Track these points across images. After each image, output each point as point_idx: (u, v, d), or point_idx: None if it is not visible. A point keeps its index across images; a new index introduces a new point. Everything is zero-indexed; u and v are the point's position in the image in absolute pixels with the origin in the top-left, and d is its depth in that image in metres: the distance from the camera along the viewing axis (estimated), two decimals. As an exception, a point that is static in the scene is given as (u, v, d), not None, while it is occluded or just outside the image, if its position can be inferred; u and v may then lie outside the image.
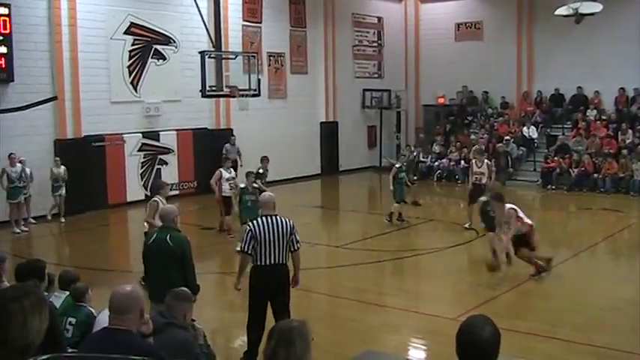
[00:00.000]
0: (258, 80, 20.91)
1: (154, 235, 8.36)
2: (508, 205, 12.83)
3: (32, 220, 18.79)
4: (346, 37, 30.11)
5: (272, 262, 8.39)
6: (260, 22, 26.26)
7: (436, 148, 28.39)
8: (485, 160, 18.24)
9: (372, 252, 15.30)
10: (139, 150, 22.38)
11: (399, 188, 18.18)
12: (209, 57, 20.10)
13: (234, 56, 21.78)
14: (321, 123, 29.08)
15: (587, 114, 27.01)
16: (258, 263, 8.40)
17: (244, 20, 25.59)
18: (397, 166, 18.56)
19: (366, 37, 31.29)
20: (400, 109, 31.78)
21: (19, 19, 19.13)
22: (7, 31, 18.64)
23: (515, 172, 26.12)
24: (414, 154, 21.44)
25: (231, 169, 17.40)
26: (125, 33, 21.97)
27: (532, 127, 27.43)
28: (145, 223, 12.10)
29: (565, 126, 27.39)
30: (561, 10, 23.45)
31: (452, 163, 27.11)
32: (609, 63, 26.41)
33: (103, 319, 5.84)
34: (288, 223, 8.48)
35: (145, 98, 22.50)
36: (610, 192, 23.10)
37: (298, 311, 8.65)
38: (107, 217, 19.75)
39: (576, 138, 25.67)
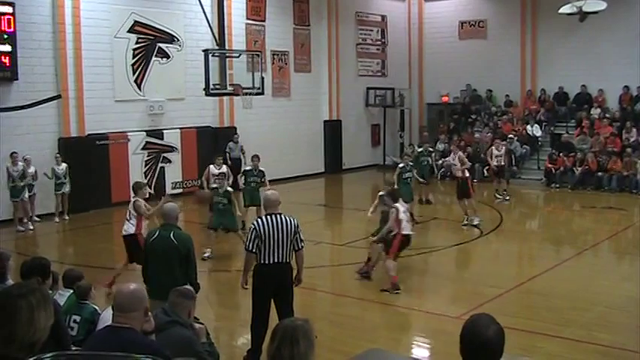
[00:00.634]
0: (262, 79, 20.92)
1: (157, 233, 8.39)
2: (397, 205, 12.44)
3: (36, 218, 18.81)
4: (350, 36, 30.10)
5: (276, 260, 8.38)
6: (264, 21, 26.26)
7: (440, 147, 28.36)
8: (503, 143, 22.03)
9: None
10: (143, 148, 22.40)
11: (404, 188, 16.97)
12: (213, 55, 20.13)
13: (237, 55, 21.80)
14: (325, 121, 29.07)
15: (591, 112, 26.96)
16: (262, 262, 8.40)
17: (248, 19, 25.59)
18: (400, 166, 18.22)
19: (370, 35, 31.28)
20: (404, 107, 31.75)
21: (23, 18, 19.14)
22: (11, 30, 18.66)
23: (519, 170, 26.09)
24: (428, 152, 21.53)
25: (223, 166, 17.19)
26: (129, 31, 21.98)
27: (536, 125, 27.39)
28: (129, 225, 12.06)
29: (569, 124, 27.35)
30: (565, 9, 23.40)
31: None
32: (613, 61, 26.38)
33: (107, 317, 5.85)
34: (292, 222, 8.48)
35: (149, 97, 22.51)
36: (614, 190, 23.06)
37: (302, 309, 8.66)
38: (111, 216, 19.74)
39: (580, 136, 25.62)
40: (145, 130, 22.48)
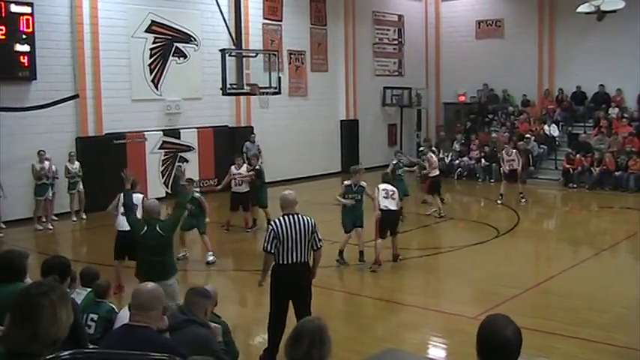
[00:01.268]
0: (279, 78, 20.91)
1: (146, 228, 9.20)
2: (379, 185, 13.83)
3: (54, 217, 18.92)
4: (366, 35, 30.08)
5: (294, 260, 8.38)
6: (280, 20, 26.29)
7: (457, 147, 28.30)
8: (514, 150, 21.74)
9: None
10: (160, 148, 22.49)
11: (398, 185, 16.08)
12: (230, 55, 20.15)
13: (254, 54, 21.83)
14: (342, 121, 29.06)
15: (609, 112, 26.79)
16: (280, 262, 8.40)
17: (265, 18, 25.63)
18: (394, 162, 18.41)
19: (387, 34, 31.24)
20: (421, 107, 31.69)
21: (42, 18, 19.27)
22: (30, 30, 18.79)
23: (537, 170, 25.99)
24: (430, 151, 21.24)
25: (243, 166, 17.55)
26: (146, 31, 22.08)
27: (553, 125, 27.27)
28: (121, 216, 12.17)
29: (587, 124, 27.20)
30: (583, 8, 23.29)
31: (472, 162, 27.01)
32: (631, 61, 26.16)
33: (124, 316, 5.88)
34: (309, 222, 8.48)
35: (166, 96, 22.60)
36: (632, 190, 22.91)
37: (318, 309, 8.67)
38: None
39: (598, 136, 25.47)
40: (162, 130, 22.57)
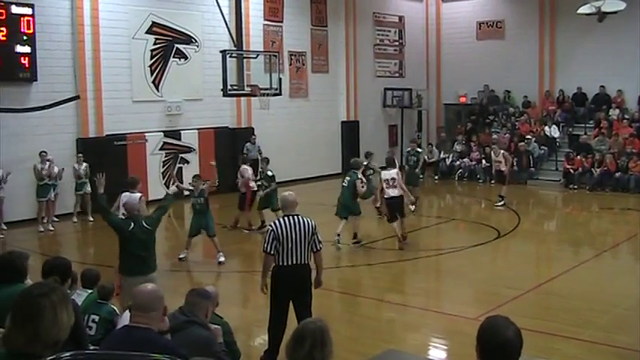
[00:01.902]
0: (280, 79, 20.94)
1: (132, 224, 9.52)
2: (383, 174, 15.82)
3: (55, 219, 18.91)
4: (367, 36, 30.08)
5: (294, 262, 8.36)
6: (281, 22, 26.30)
7: (457, 148, 28.31)
8: (501, 151, 21.59)
9: (392, 251, 15.29)
10: (161, 149, 22.50)
11: (367, 186, 17.45)
12: (230, 56, 20.16)
13: (255, 55, 21.84)
14: (342, 122, 29.07)
15: (610, 113, 26.79)
16: (281, 263, 8.38)
17: (265, 19, 25.64)
18: (364, 163, 18.60)
19: (387, 36, 31.24)
20: (421, 108, 31.73)
21: (42, 19, 19.29)
22: (31, 31, 18.81)
23: (537, 171, 25.98)
24: (415, 152, 21.24)
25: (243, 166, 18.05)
26: (147, 32, 22.09)
27: (554, 126, 27.26)
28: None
29: (587, 125, 27.20)
30: (584, 9, 23.26)
31: (473, 163, 27.00)
32: (632, 62, 26.16)
33: (126, 317, 5.88)
34: (310, 224, 8.45)
35: (167, 97, 22.61)
36: (633, 191, 22.89)
37: (319, 310, 8.66)
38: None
39: (598, 137, 25.45)
40: (163, 131, 22.58)
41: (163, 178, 22.32)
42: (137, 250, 9.46)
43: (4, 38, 18.41)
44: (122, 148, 21.33)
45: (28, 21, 18.75)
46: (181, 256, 14.56)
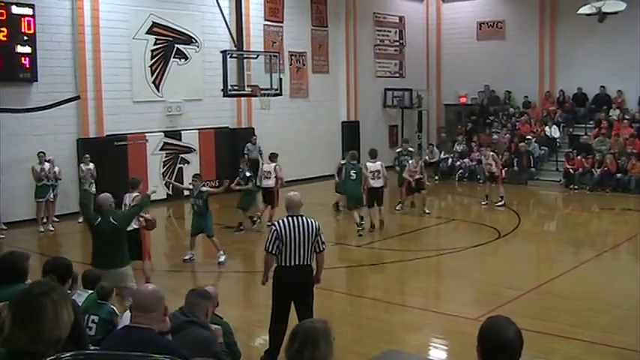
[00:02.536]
0: (280, 79, 20.93)
1: (99, 219, 9.88)
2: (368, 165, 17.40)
3: (55, 219, 18.90)
4: (368, 37, 30.09)
5: (297, 263, 8.35)
6: (281, 22, 26.30)
7: (458, 148, 28.30)
8: (490, 153, 21.71)
9: (393, 252, 15.30)
10: (161, 149, 22.50)
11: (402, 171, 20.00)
12: (231, 56, 20.16)
13: (255, 56, 21.86)
14: (343, 122, 29.07)
15: (610, 114, 26.79)
16: (283, 264, 8.37)
17: (266, 20, 25.65)
18: (398, 150, 21.12)
19: (388, 36, 31.25)
20: (422, 108, 31.73)
21: (43, 20, 19.30)
22: (31, 32, 18.82)
23: (538, 171, 25.97)
24: (408, 152, 21.35)
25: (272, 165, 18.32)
26: (147, 33, 22.09)
27: (554, 126, 27.26)
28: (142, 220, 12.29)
29: (588, 125, 27.19)
30: (584, 9, 23.25)
31: (473, 163, 26.99)
32: (633, 62, 26.15)
33: (126, 317, 5.88)
34: (313, 224, 8.44)
35: (167, 97, 22.61)
36: (633, 192, 22.88)
37: (320, 311, 8.66)
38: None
39: (599, 138, 25.44)
40: (163, 131, 22.59)
41: (164, 178, 22.31)
42: (102, 245, 9.84)
43: (5, 38, 18.41)
44: (122, 149, 21.33)
45: (29, 21, 18.76)
46: (186, 257, 14.47)
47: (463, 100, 31.58)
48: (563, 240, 17.59)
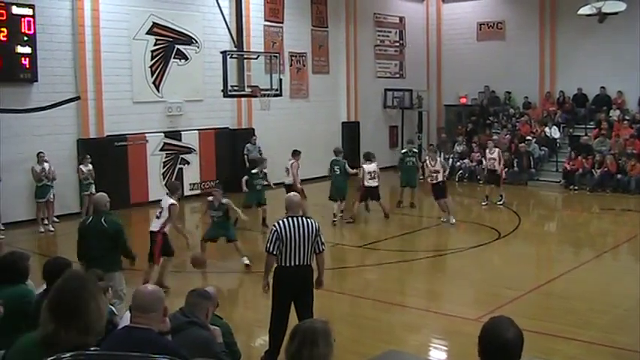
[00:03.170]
0: (280, 80, 20.94)
1: (90, 219, 10.01)
2: (363, 166, 18.79)
3: (55, 219, 18.90)
4: (368, 37, 30.10)
5: (296, 263, 8.36)
6: (282, 22, 26.31)
7: (458, 149, 28.30)
8: (496, 149, 21.73)
9: (393, 252, 15.30)
10: (161, 149, 22.49)
11: (406, 172, 20.66)
12: (231, 57, 20.16)
13: (255, 56, 21.85)
14: (343, 123, 29.09)
15: (610, 114, 26.79)
16: (283, 264, 8.37)
17: (266, 20, 25.65)
18: (403, 152, 21.23)
19: (388, 36, 31.25)
20: (422, 109, 31.72)
21: (43, 20, 19.29)
22: (31, 32, 18.80)
23: (538, 172, 25.97)
24: (413, 153, 21.42)
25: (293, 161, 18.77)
26: (147, 33, 22.08)
27: (554, 127, 27.26)
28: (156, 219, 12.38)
29: (588, 126, 27.19)
30: (584, 10, 23.24)
31: (473, 164, 26.98)
32: (633, 63, 26.15)
33: (127, 317, 5.88)
34: (313, 225, 8.45)
35: (167, 98, 22.60)
36: (633, 192, 22.87)
37: (321, 311, 8.67)
38: (129, 217, 19.82)
39: (599, 138, 25.44)
40: (164, 132, 22.58)
41: (164, 179, 22.31)
42: (89, 245, 9.75)
43: (5, 39, 18.40)
44: (123, 149, 21.32)
45: (29, 22, 18.74)
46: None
47: (463, 100, 31.58)
48: (563, 240, 17.59)
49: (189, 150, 23.20)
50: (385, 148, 30.61)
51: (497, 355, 3.59)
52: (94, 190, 19.09)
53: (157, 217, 12.34)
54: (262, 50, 24.24)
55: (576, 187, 24.16)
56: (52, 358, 3.31)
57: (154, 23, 22.19)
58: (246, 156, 23.32)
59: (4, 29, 18.39)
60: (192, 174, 23.19)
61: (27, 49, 18.75)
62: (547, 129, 27.19)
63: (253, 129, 24.53)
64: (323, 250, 8.57)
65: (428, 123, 32.58)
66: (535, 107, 29.12)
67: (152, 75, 22.29)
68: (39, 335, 3.54)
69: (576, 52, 28.11)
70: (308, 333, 3.78)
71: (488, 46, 30.73)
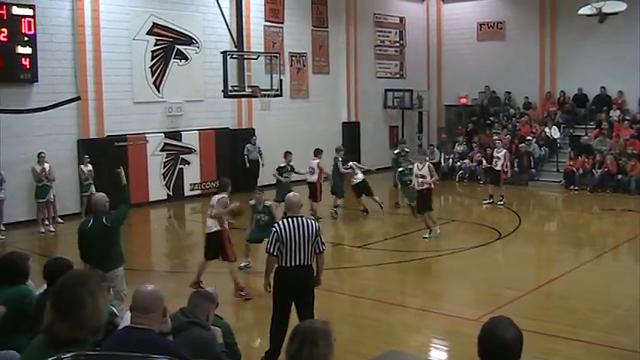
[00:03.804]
0: (280, 80, 20.92)
1: (92, 220, 9.78)
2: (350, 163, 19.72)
3: (59, 220, 18.90)
4: (368, 37, 30.10)
5: (297, 263, 8.37)
6: (282, 23, 26.32)
7: (458, 149, 28.30)
8: (504, 150, 21.90)
9: (393, 252, 15.32)
10: (162, 150, 22.49)
11: (403, 186, 19.80)
12: (231, 57, 20.16)
13: (256, 56, 21.85)
14: (343, 123, 29.10)
15: (611, 114, 26.78)
16: (284, 265, 8.38)
17: (266, 20, 25.66)
18: (396, 152, 21.65)
19: (388, 37, 31.26)
20: (422, 109, 31.75)
21: (43, 20, 19.30)
22: (32, 32, 18.81)
23: (538, 172, 25.97)
24: (406, 153, 21.37)
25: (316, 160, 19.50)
26: (148, 33, 22.09)
27: (554, 127, 27.25)
28: (210, 219, 12.21)
29: (588, 126, 27.18)
30: (584, 10, 23.22)
31: (474, 164, 26.99)
32: (633, 63, 26.15)
33: (127, 318, 5.89)
34: (313, 225, 8.47)
35: (168, 98, 22.61)
36: (633, 193, 22.87)
37: (321, 311, 8.66)
38: (130, 217, 19.79)
39: (599, 138, 25.43)
40: (164, 132, 22.58)
41: (164, 179, 22.32)
42: (93, 247, 9.64)
43: (5, 39, 18.41)
44: (123, 149, 21.31)
45: (29, 22, 18.75)
46: (241, 265, 13.42)
47: (463, 100, 31.59)
48: (563, 241, 17.58)
49: (189, 150, 23.21)
50: (385, 148, 30.59)
51: (496, 355, 3.60)
52: (94, 190, 19.11)
53: (211, 216, 12.19)
54: (262, 50, 24.26)
55: (576, 188, 24.16)
56: (52, 358, 3.32)
57: (154, 23, 22.20)
58: (246, 156, 23.35)
59: (5, 29, 18.41)
60: (192, 174, 23.19)
61: (27, 50, 18.76)
62: (547, 129, 27.18)
63: (253, 129, 24.54)
64: (323, 250, 8.58)
65: (428, 123, 32.60)
66: (535, 107, 29.12)
67: (152, 75, 22.30)
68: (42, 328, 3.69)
69: (576, 52, 28.10)
70: (308, 333, 3.79)
71: (489, 46, 30.74)
